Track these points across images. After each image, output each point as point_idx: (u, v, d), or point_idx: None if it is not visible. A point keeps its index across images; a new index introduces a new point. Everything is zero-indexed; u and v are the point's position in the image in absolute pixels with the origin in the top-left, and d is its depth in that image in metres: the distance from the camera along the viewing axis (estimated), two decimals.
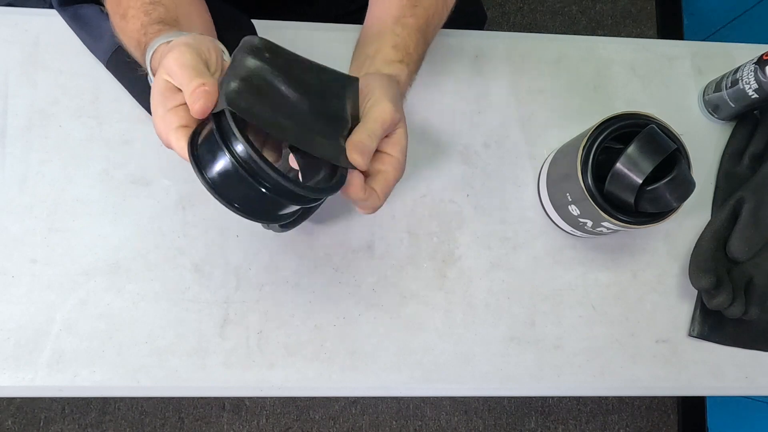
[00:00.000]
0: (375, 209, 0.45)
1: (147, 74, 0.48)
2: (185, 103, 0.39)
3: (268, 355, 0.60)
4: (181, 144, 0.39)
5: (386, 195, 0.45)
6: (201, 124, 0.39)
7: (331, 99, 0.43)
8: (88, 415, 1.38)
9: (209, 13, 0.57)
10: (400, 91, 0.49)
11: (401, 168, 0.45)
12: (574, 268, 0.65)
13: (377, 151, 0.44)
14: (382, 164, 0.44)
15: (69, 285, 0.59)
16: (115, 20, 0.52)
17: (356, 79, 0.47)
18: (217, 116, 0.37)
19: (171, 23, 0.48)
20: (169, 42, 0.45)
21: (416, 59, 0.52)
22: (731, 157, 0.68)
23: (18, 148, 0.61)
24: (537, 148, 0.67)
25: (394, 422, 1.44)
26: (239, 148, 0.36)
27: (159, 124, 0.40)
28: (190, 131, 0.39)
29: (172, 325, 0.59)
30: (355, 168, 0.42)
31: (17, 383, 0.57)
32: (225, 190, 0.38)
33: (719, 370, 0.64)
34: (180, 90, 0.39)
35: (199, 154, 0.38)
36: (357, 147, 0.41)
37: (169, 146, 0.40)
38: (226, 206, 0.38)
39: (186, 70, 0.38)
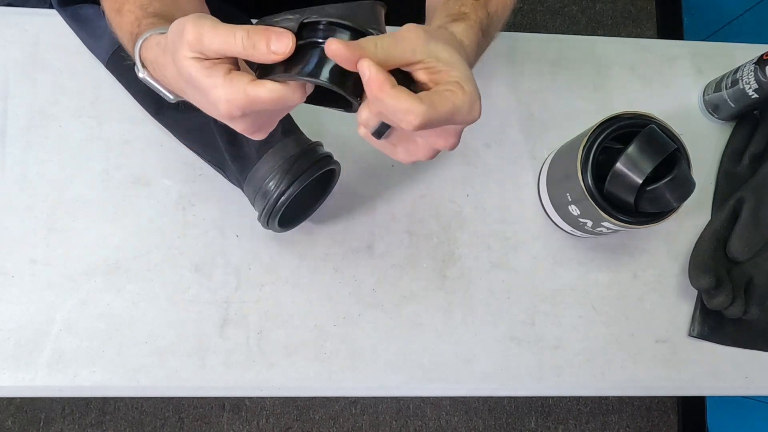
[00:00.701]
0: (421, 120, 0.33)
1: (134, 65, 0.46)
2: (232, 69, 0.36)
3: (268, 355, 0.60)
4: (268, 86, 0.35)
5: (441, 116, 0.34)
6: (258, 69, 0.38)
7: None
8: (88, 415, 1.38)
9: (208, 11, 0.57)
10: (462, 44, 0.42)
11: (467, 96, 0.35)
12: (574, 268, 0.65)
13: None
14: (442, 90, 0.36)
15: (69, 285, 0.59)
16: (111, 15, 0.51)
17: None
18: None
19: (167, 18, 0.47)
20: (162, 33, 0.42)
21: (476, 20, 0.45)
22: (731, 157, 0.68)
23: (18, 148, 0.61)
24: (537, 148, 0.67)
25: (394, 422, 1.44)
26: (327, 33, 0.35)
27: (226, 93, 0.35)
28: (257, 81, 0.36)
29: (172, 325, 0.59)
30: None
31: (17, 383, 0.57)
32: (335, 77, 0.36)
33: (719, 370, 0.64)
34: (212, 61, 0.36)
35: (300, 72, 0.36)
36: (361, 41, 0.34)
37: (248, 107, 0.36)
38: (341, 92, 0.36)
39: (222, 29, 0.35)
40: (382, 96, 0.33)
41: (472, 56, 0.45)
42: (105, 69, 0.62)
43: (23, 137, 0.62)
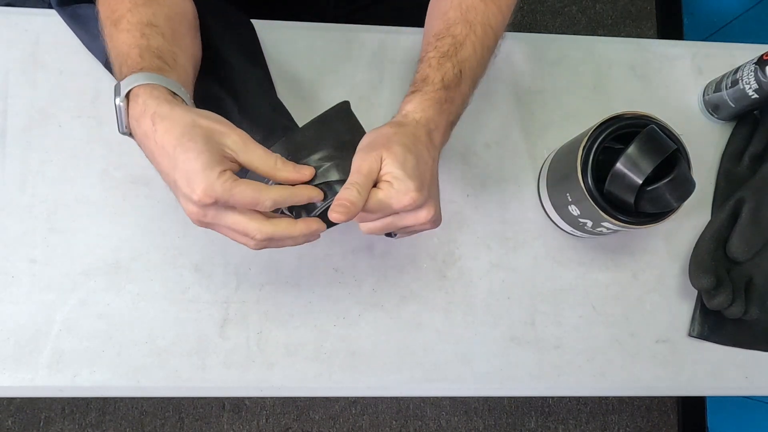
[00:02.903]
0: (348, 208, 0.44)
1: (117, 84, 0.47)
2: (234, 168, 0.44)
3: (268, 355, 0.60)
4: (250, 187, 0.43)
5: (370, 207, 0.45)
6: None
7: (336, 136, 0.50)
8: (88, 415, 1.38)
9: (200, 44, 0.58)
10: (410, 121, 0.50)
11: (394, 192, 0.45)
12: (574, 268, 0.65)
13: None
14: (375, 189, 0.46)
15: (69, 285, 0.59)
16: (106, 25, 0.52)
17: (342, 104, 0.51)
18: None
19: (171, 63, 0.49)
20: (169, 89, 0.46)
21: (436, 80, 0.52)
22: (731, 157, 0.68)
23: (18, 148, 0.61)
24: (537, 148, 0.67)
25: (394, 422, 1.44)
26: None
27: (213, 180, 0.42)
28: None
29: (172, 325, 0.59)
30: None
31: (17, 383, 0.57)
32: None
33: (719, 370, 0.64)
34: (229, 159, 0.44)
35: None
36: (334, 206, 0.43)
37: (221, 198, 0.42)
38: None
39: (264, 150, 0.45)
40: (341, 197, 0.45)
41: (436, 120, 0.52)
42: (105, 69, 0.62)
43: (23, 137, 0.62)
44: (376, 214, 0.46)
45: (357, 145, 0.48)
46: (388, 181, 0.45)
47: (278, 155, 0.45)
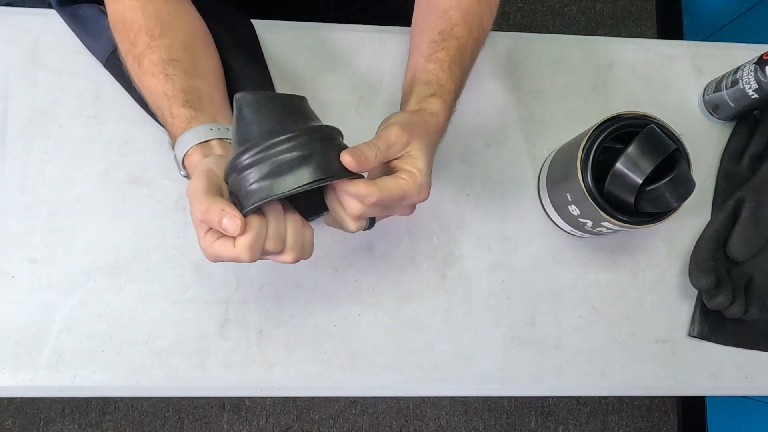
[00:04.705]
0: (362, 162, 0.43)
1: (175, 158, 0.51)
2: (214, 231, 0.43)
3: (268, 355, 0.60)
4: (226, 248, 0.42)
5: (392, 196, 0.44)
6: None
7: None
8: (88, 415, 1.38)
9: (218, 56, 0.58)
10: (434, 122, 0.51)
11: (416, 185, 0.45)
12: (574, 268, 0.65)
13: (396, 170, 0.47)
14: (397, 177, 0.46)
15: (69, 285, 0.59)
16: (128, 59, 0.53)
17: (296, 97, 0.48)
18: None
19: (197, 104, 0.51)
20: (205, 142, 0.49)
21: (451, 89, 0.54)
22: (731, 157, 0.68)
23: (18, 148, 0.61)
24: (537, 148, 0.67)
25: (394, 422, 1.44)
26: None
27: (202, 243, 0.43)
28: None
29: (172, 325, 0.59)
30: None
31: (17, 383, 0.57)
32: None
33: (719, 370, 0.64)
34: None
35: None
36: (350, 150, 0.43)
37: (213, 259, 0.43)
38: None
39: (206, 203, 0.42)
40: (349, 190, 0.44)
41: (444, 129, 0.54)
42: (105, 69, 0.62)
43: (23, 137, 0.62)
44: (390, 199, 0.44)
45: (325, 134, 0.45)
46: (410, 171, 0.45)
47: (224, 204, 0.41)
